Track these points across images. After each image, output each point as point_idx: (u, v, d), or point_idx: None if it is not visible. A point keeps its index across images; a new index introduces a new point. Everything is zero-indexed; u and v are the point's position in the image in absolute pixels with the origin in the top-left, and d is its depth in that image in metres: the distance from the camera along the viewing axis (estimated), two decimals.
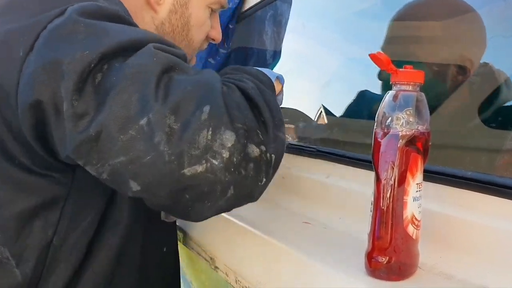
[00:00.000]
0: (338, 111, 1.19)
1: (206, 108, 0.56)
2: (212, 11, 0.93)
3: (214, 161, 0.55)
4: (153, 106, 0.55)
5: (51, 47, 0.61)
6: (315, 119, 1.23)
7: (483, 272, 0.57)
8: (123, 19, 0.68)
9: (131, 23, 0.69)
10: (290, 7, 1.34)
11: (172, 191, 0.57)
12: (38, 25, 0.63)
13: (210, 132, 0.56)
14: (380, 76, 1.06)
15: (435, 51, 0.91)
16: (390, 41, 1.04)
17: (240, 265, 0.78)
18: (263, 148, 0.61)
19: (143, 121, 0.55)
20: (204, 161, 0.55)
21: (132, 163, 0.56)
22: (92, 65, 0.58)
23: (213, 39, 0.97)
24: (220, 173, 0.56)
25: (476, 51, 0.84)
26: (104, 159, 0.57)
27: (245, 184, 0.59)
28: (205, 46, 0.99)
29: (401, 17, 1.02)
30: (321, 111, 1.24)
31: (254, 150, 0.59)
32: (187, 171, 0.55)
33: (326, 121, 1.20)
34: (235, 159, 0.56)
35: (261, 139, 0.61)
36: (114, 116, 0.56)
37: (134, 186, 0.58)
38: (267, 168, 0.62)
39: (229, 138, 0.56)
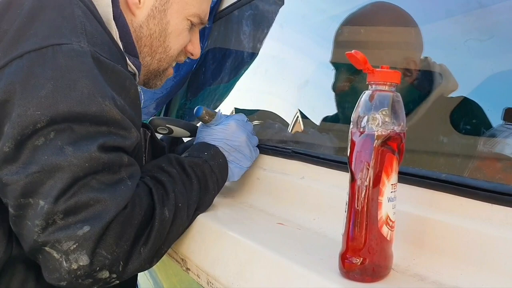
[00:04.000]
0: (312, 116, 1.19)
1: (86, 228, 0.65)
2: (192, 25, 0.96)
3: (64, 263, 0.66)
4: (54, 201, 0.65)
5: (12, 84, 0.66)
6: (291, 124, 1.23)
7: (456, 274, 0.57)
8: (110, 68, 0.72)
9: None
10: (277, 8, 1.34)
11: (32, 250, 0.68)
12: (16, 48, 0.67)
13: (74, 246, 0.65)
14: (334, 87, 1.08)
15: (383, 56, 0.94)
16: (339, 45, 1.06)
17: (212, 266, 0.76)
18: (114, 275, 0.70)
19: (41, 203, 0.65)
20: (59, 255, 0.66)
21: (19, 219, 0.67)
22: (38, 125, 0.65)
23: (191, 54, 1.00)
24: (63, 271, 0.66)
25: (418, 52, 0.89)
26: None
27: (74, 284, 0.68)
28: (183, 59, 1.01)
29: (350, 22, 1.04)
30: (298, 116, 1.23)
31: (104, 275, 0.69)
32: (47, 248, 0.66)
33: (302, 126, 1.20)
34: (79, 273, 0.66)
35: (119, 270, 0.70)
36: (27, 182, 0.65)
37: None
38: (104, 285, 0.71)
39: (84, 260, 0.66)
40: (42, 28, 0.68)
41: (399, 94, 0.58)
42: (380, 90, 0.57)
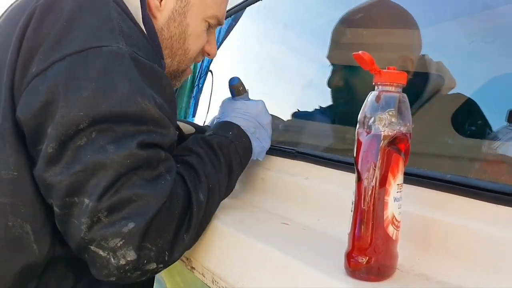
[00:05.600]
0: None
1: (131, 225, 0.66)
2: (210, 26, 0.96)
3: (112, 260, 0.67)
4: (98, 198, 0.66)
5: (55, 86, 0.67)
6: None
7: (461, 273, 0.57)
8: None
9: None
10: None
11: (79, 248, 0.70)
12: (57, 51, 0.69)
13: (121, 243, 0.66)
14: (330, 84, 1.08)
15: (381, 56, 0.95)
16: (337, 46, 1.07)
17: (217, 265, 0.76)
18: (160, 265, 0.72)
19: (86, 201, 0.66)
20: (106, 252, 0.67)
21: (65, 218, 0.69)
22: (81, 126, 0.67)
23: (208, 54, 1.00)
24: (112, 267, 0.68)
25: (416, 52, 0.89)
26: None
27: (124, 279, 0.70)
28: (201, 59, 1.02)
29: (347, 23, 1.04)
30: None
31: (151, 266, 0.70)
32: (92, 247, 0.67)
33: None
34: (128, 267, 0.68)
35: (165, 260, 0.72)
36: (71, 181, 0.67)
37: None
38: (151, 274, 0.73)
39: (131, 255, 0.67)
40: (81, 32, 0.70)
41: (405, 95, 0.58)
42: (387, 91, 0.58)
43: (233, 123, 0.93)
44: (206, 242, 0.82)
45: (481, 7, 0.71)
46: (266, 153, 1.02)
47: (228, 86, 1.00)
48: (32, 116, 0.69)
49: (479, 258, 0.57)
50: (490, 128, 0.75)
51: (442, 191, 0.64)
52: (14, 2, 0.83)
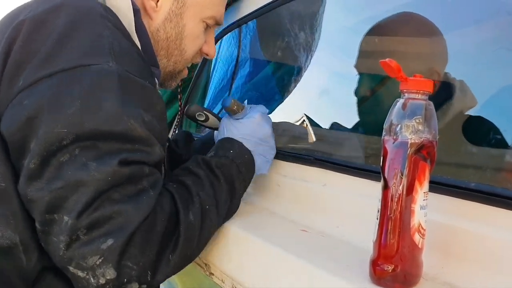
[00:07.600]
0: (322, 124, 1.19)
1: (109, 241, 0.66)
2: (208, 26, 0.96)
3: (91, 280, 0.67)
4: (77, 216, 0.65)
5: (41, 101, 0.67)
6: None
7: (485, 282, 0.57)
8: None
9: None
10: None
11: (60, 265, 0.69)
12: (46, 68, 0.68)
13: (100, 260, 0.66)
14: (357, 93, 1.08)
15: (407, 66, 0.95)
16: (364, 55, 1.06)
17: (237, 272, 0.76)
18: (144, 286, 0.70)
19: (65, 218, 0.66)
20: (85, 273, 0.66)
21: (45, 235, 0.68)
22: (64, 142, 0.66)
23: (206, 54, 1.00)
24: (91, 286, 0.67)
25: (442, 64, 0.88)
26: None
27: None
28: (199, 60, 1.02)
29: (375, 32, 1.04)
30: (304, 120, 1.24)
31: (133, 286, 0.69)
32: (71, 267, 0.67)
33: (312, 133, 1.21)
34: (107, 287, 0.67)
35: (147, 280, 0.70)
36: (52, 197, 0.66)
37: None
38: None
39: (111, 273, 0.66)
40: (72, 50, 0.70)
41: (431, 102, 0.58)
42: (413, 99, 0.58)
43: (234, 139, 0.93)
44: (224, 248, 0.82)
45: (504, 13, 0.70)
46: (282, 160, 1.02)
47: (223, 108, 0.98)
48: (15, 130, 0.68)
49: (503, 267, 0.56)
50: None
51: (466, 200, 0.63)
52: (8, 13, 0.81)
